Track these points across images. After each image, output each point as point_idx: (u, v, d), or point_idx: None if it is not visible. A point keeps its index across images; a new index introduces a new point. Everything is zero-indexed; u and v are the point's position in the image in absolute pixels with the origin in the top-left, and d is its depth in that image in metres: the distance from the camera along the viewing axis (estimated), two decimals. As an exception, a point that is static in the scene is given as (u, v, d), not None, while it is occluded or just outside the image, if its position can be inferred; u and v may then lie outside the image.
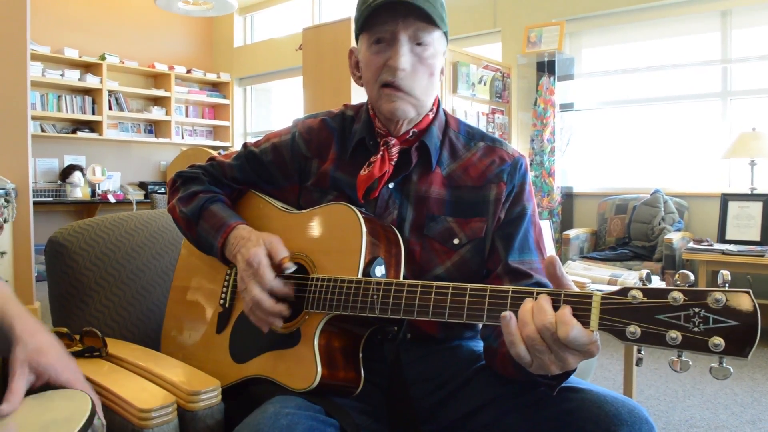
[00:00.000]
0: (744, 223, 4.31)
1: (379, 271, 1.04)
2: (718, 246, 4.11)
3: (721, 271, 0.75)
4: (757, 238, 4.21)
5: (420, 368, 1.15)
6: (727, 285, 0.74)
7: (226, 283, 1.25)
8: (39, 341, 0.92)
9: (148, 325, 1.47)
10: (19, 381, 0.87)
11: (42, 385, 0.92)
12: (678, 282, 0.77)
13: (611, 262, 4.38)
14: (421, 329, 1.16)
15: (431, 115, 1.21)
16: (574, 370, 0.89)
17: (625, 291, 0.79)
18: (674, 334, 0.74)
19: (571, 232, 4.93)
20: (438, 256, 1.15)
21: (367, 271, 1.03)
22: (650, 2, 5.14)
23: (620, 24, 5.43)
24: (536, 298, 0.85)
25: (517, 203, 1.17)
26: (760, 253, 3.86)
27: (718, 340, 0.72)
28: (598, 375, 3.30)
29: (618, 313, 0.79)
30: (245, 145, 1.34)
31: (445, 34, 1.16)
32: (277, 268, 1.09)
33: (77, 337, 1.26)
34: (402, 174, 1.19)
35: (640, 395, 2.97)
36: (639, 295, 0.78)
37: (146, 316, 1.48)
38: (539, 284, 1.11)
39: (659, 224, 4.67)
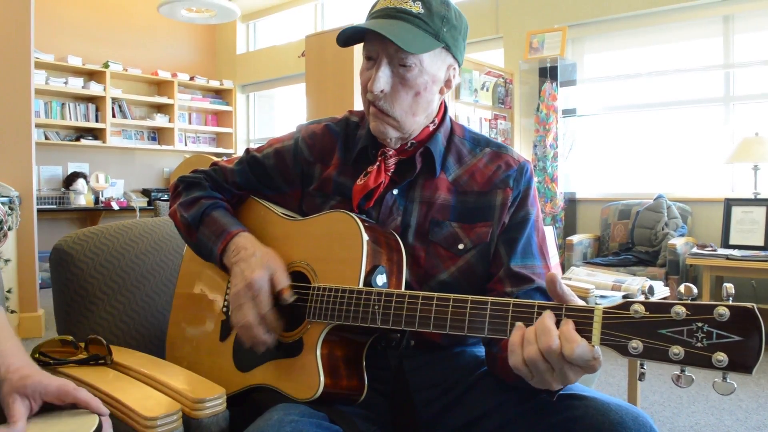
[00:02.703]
0: (747, 228, 4.30)
1: (381, 280, 1.04)
2: (721, 251, 4.10)
3: (725, 284, 0.73)
4: (761, 243, 4.20)
5: (424, 375, 1.15)
6: (731, 299, 0.73)
7: (228, 291, 1.26)
8: (22, 373, 0.93)
9: (153, 332, 1.47)
10: (15, 406, 0.88)
11: (45, 407, 0.93)
12: (682, 293, 0.76)
13: (615, 267, 4.37)
14: (424, 336, 1.16)
15: (432, 127, 1.21)
16: None
17: (627, 305, 0.78)
18: (677, 350, 0.73)
19: (575, 238, 4.93)
20: (443, 261, 1.15)
21: (368, 281, 1.03)
22: (652, 8, 5.15)
23: (622, 29, 5.44)
24: (538, 316, 0.84)
25: (521, 208, 1.17)
26: (764, 258, 3.85)
27: (721, 356, 0.71)
28: (603, 381, 3.29)
29: (620, 328, 0.78)
30: (248, 150, 1.34)
31: (448, 47, 1.14)
32: (278, 295, 1.09)
33: (82, 344, 1.26)
34: (407, 180, 1.19)
35: (645, 401, 2.96)
36: (641, 309, 0.77)
37: (151, 323, 1.48)
38: (540, 289, 1.12)
39: (662, 229, 4.66)
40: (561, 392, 1.01)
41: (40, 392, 0.91)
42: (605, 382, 3.27)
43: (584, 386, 1.04)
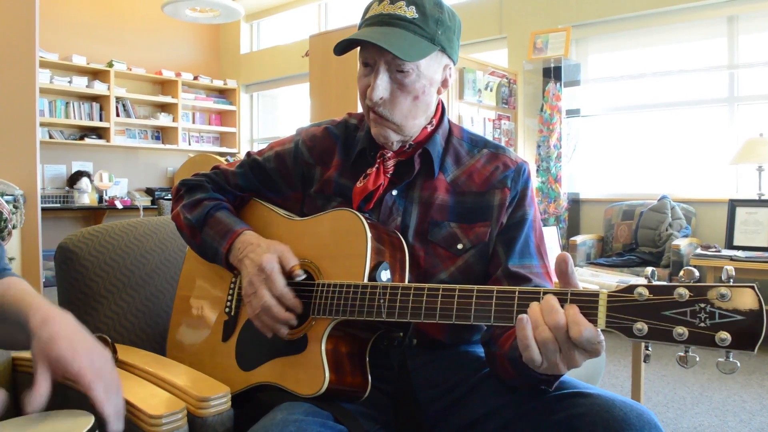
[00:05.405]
0: (752, 229, 4.29)
1: (385, 275, 1.04)
2: (725, 252, 4.09)
3: (725, 267, 0.76)
4: (765, 245, 4.19)
5: (427, 374, 1.15)
6: (731, 280, 0.75)
7: (231, 291, 1.26)
8: (49, 331, 0.88)
9: (157, 330, 1.48)
10: (40, 377, 0.84)
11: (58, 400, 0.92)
12: (683, 279, 0.77)
13: (618, 268, 4.37)
14: (427, 334, 1.17)
15: (430, 128, 1.22)
16: None
17: (631, 288, 0.80)
18: (681, 330, 0.75)
19: (578, 238, 4.92)
20: (442, 261, 1.16)
21: (373, 276, 1.04)
22: (656, 8, 5.14)
23: (626, 30, 5.43)
24: (542, 299, 0.85)
25: (519, 208, 1.18)
26: (768, 259, 3.85)
27: (724, 335, 0.72)
28: (606, 381, 3.29)
29: (625, 311, 0.80)
30: (249, 154, 1.36)
31: (443, 49, 1.14)
32: (288, 275, 1.10)
33: (87, 343, 1.26)
34: (405, 181, 1.20)
35: (648, 402, 2.96)
36: (645, 292, 0.79)
37: (155, 321, 1.48)
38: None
39: (666, 230, 4.65)
40: (565, 391, 1.01)
41: (62, 367, 0.86)
42: (608, 383, 3.27)
43: (589, 384, 1.04)
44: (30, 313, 0.92)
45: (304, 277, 1.11)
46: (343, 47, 1.13)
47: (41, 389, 0.83)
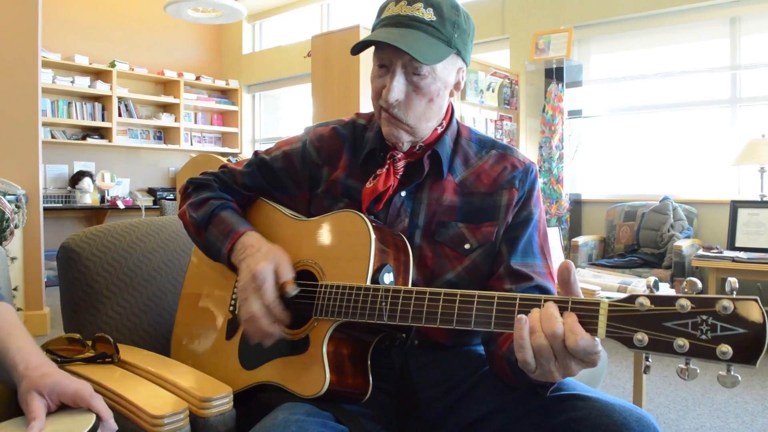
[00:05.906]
0: (754, 230, 4.29)
1: (388, 278, 1.04)
2: (727, 253, 4.08)
3: (729, 279, 0.74)
4: (767, 246, 4.19)
5: (428, 374, 1.16)
6: (735, 292, 0.74)
7: (235, 290, 1.26)
8: (42, 371, 0.93)
9: (160, 330, 1.48)
10: (34, 403, 0.88)
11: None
12: (686, 290, 0.76)
13: (620, 269, 4.36)
14: (429, 336, 1.17)
15: (440, 129, 1.22)
16: None
17: (632, 298, 0.79)
18: (682, 342, 0.74)
19: (580, 239, 4.92)
20: (449, 261, 1.16)
21: (376, 278, 1.04)
22: (659, 9, 5.14)
23: (628, 31, 5.43)
24: (543, 306, 0.85)
25: (525, 208, 1.19)
26: (771, 260, 3.84)
27: (725, 348, 0.71)
28: (608, 383, 3.29)
29: (625, 321, 0.79)
30: (256, 153, 1.36)
31: (459, 52, 1.14)
32: (281, 288, 1.10)
33: (89, 343, 1.26)
34: (415, 182, 1.20)
35: (650, 403, 2.96)
36: (646, 302, 0.78)
37: (157, 322, 1.49)
38: (540, 287, 1.12)
39: (668, 231, 4.65)
40: (564, 392, 1.02)
41: (59, 393, 0.91)
42: (610, 384, 3.27)
43: (589, 387, 1.04)
44: (17, 358, 0.95)
45: (296, 292, 1.10)
46: (360, 47, 1.12)
47: (39, 411, 0.88)
